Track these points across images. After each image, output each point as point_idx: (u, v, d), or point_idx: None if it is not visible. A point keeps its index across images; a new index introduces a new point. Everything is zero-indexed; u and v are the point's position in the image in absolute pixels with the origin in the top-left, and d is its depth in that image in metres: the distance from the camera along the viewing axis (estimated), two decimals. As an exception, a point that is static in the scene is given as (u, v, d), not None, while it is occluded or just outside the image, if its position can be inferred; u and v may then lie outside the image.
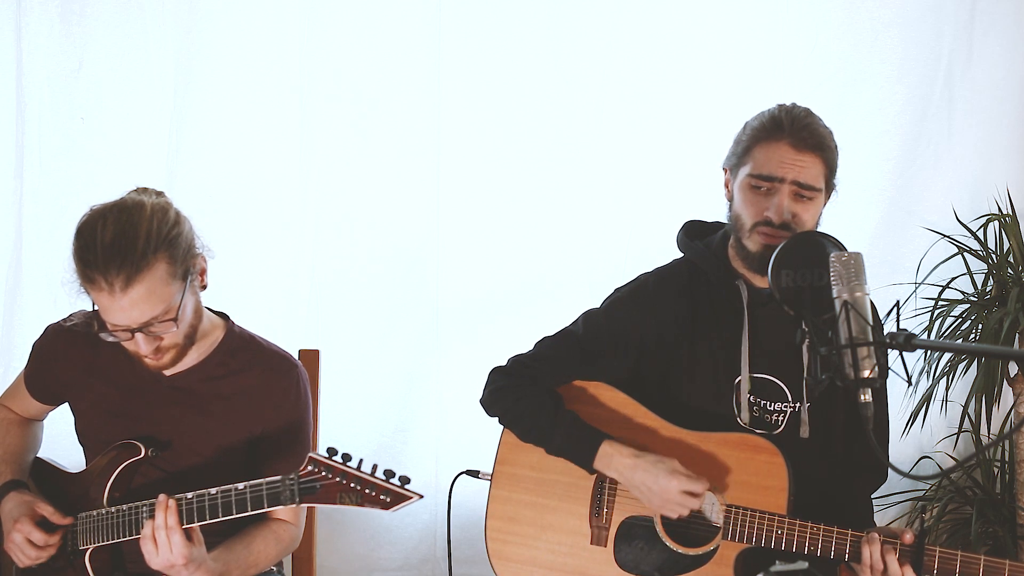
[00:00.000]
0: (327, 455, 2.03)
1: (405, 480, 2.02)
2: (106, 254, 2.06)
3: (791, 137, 2.26)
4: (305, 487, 2.04)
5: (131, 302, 2.07)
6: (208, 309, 2.35)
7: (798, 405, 2.37)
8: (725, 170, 2.39)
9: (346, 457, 2.03)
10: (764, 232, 2.28)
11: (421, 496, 2.02)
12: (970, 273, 3.27)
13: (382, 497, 2.01)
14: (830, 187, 2.33)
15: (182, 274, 2.14)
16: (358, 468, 2.03)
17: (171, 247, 2.11)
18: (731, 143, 2.38)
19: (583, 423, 2.34)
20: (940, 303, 3.24)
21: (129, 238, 2.07)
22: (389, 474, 2.02)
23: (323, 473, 2.03)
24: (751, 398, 2.37)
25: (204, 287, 2.25)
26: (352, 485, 2.01)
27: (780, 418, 2.38)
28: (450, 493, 2.54)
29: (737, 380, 2.36)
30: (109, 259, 2.05)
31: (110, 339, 2.16)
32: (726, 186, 2.39)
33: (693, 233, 2.47)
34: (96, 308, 2.14)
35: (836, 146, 2.32)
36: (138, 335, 2.12)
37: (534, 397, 2.37)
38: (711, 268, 2.40)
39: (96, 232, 2.09)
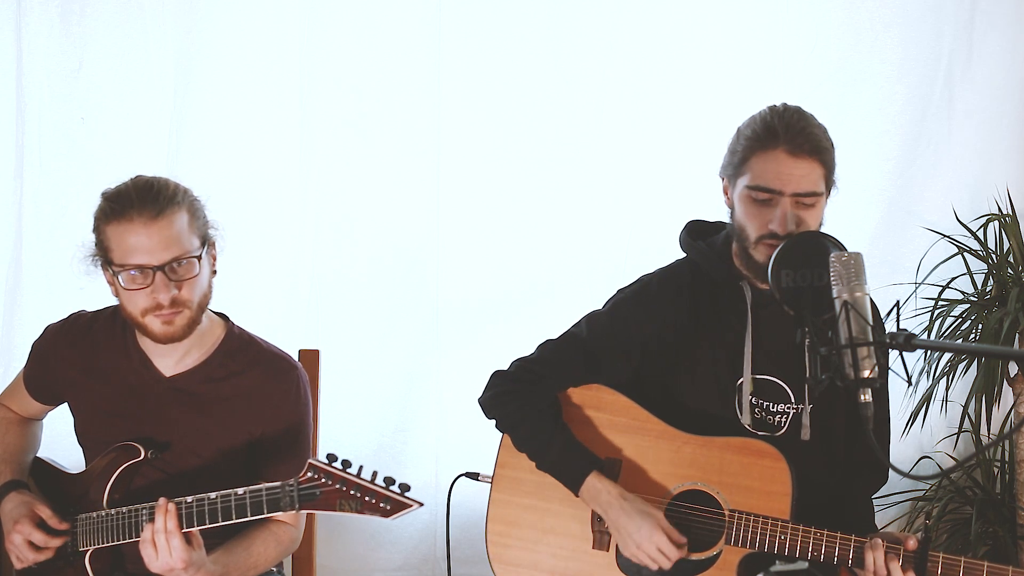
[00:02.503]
0: (327, 461, 2.03)
1: (405, 488, 2.02)
2: (139, 193, 2.17)
3: (787, 144, 2.22)
4: (305, 493, 2.04)
5: (160, 231, 2.15)
6: (208, 309, 2.35)
7: (800, 406, 2.37)
8: (722, 178, 2.37)
9: (346, 463, 2.03)
10: (770, 244, 2.23)
11: (421, 504, 2.01)
12: (970, 273, 3.27)
13: (382, 504, 2.00)
14: (830, 185, 2.31)
15: (201, 237, 2.22)
16: (358, 475, 2.02)
17: (193, 207, 2.23)
18: (726, 150, 2.34)
19: (577, 445, 2.33)
20: (940, 303, 3.24)
21: (159, 186, 2.20)
22: (389, 481, 2.02)
23: (323, 480, 2.03)
24: (753, 399, 2.36)
25: (214, 272, 2.28)
26: (352, 492, 2.01)
27: (783, 419, 2.38)
28: (449, 495, 2.54)
29: (739, 381, 2.36)
30: (142, 196, 2.16)
31: (130, 284, 2.17)
32: (725, 193, 2.36)
33: (696, 233, 2.46)
34: (112, 269, 2.19)
35: (832, 143, 2.29)
36: (159, 276, 2.15)
37: (532, 407, 2.36)
38: (714, 269, 2.39)
39: (126, 184, 2.21)
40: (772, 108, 2.29)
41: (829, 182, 2.29)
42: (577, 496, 2.32)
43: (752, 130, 2.27)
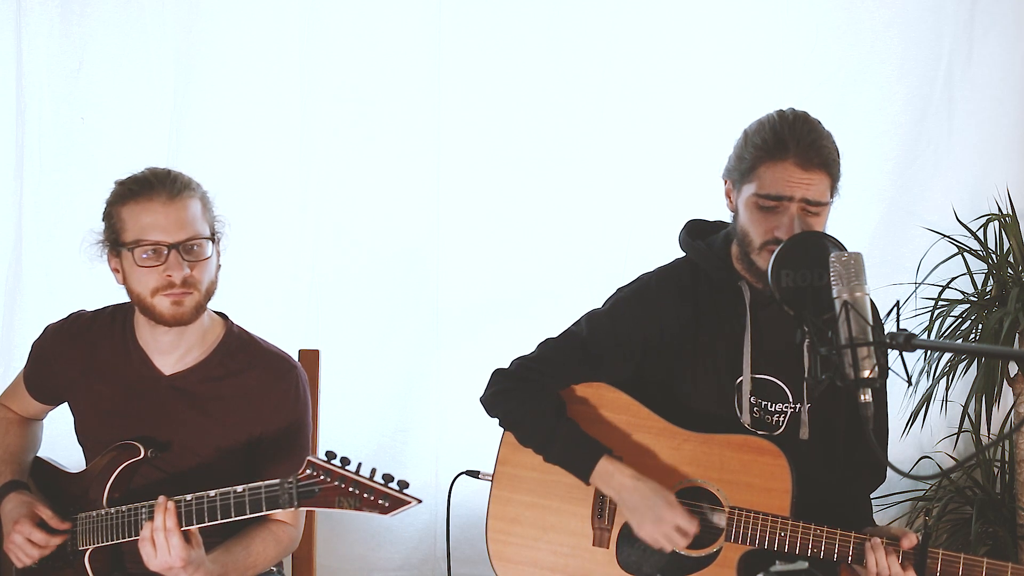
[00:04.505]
0: (326, 459, 2.03)
1: (404, 484, 2.02)
2: (157, 177, 2.24)
3: (797, 157, 2.20)
4: (304, 491, 2.04)
5: (176, 211, 2.20)
6: (208, 308, 2.35)
7: (799, 406, 2.37)
8: (726, 181, 2.35)
9: (344, 461, 2.03)
10: (774, 250, 2.19)
11: (419, 501, 2.01)
12: (970, 273, 3.27)
13: (380, 501, 2.01)
14: (834, 194, 2.30)
15: (211, 227, 2.26)
16: (357, 472, 2.03)
17: (205, 198, 2.29)
18: (731, 152, 2.33)
19: (583, 434, 2.33)
20: (940, 303, 3.24)
21: (175, 173, 2.27)
22: (388, 478, 2.02)
23: (321, 477, 2.03)
24: (752, 399, 2.36)
25: (219, 267, 2.29)
26: (351, 489, 2.01)
27: (781, 419, 2.38)
28: (450, 493, 2.54)
29: (739, 381, 2.36)
30: (160, 179, 2.23)
31: (143, 262, 2.19)
32: (727, 196, 2.35)
33: (695, 233, 2.45)
34: (124, 249, 2.20)
35: (839, 153, 2.28)
36: (173, 255, 2.17)
37: (536, 402, 2.36)
38: (713, 268, 2.39)
39: (142, 172, 2.27)
40: (781, 115, 2.27)
41: (834, 191, 2.29)
42: (588, 484, 2.33)
43: (761, 138, 2.25)
